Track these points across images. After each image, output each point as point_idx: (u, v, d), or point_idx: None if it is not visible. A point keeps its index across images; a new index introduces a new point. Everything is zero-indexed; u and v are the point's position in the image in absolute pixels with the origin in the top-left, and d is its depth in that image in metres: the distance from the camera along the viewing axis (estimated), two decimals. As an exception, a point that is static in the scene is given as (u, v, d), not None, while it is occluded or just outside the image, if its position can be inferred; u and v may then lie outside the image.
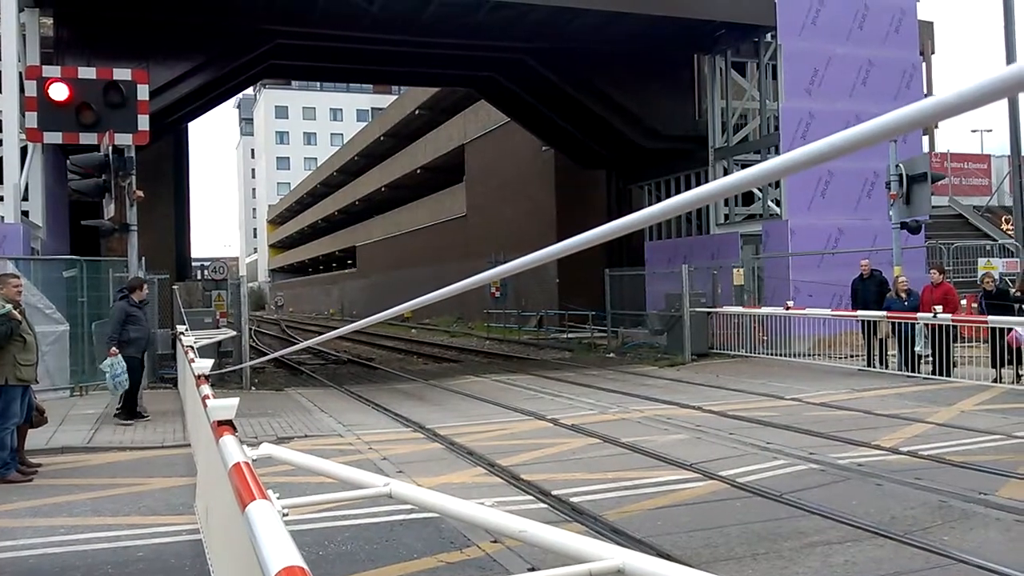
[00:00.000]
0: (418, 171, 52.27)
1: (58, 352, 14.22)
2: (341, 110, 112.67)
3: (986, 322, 13.82)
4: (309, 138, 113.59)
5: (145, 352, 12.55)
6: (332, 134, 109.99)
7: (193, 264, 33.85)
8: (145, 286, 12.56)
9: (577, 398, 13.83)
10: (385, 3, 19.72)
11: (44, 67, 14.41)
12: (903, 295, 15.17)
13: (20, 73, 15.66)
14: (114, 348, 11.49)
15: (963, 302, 16.47)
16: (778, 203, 21.60)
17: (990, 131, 50.27)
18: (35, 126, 12.99)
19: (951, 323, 14.07)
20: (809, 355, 17.59)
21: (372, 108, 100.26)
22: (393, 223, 58.42)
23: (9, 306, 8.57)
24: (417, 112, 50.53)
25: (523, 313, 33.39)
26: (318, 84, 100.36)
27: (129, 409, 11.87)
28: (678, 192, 25.45)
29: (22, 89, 15.43)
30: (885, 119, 1.40)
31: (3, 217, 15.77)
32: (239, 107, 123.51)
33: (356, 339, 32.24)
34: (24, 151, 16.21)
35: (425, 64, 25.65)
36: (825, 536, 5.96)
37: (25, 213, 16.35)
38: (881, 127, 1.41)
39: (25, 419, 8.87)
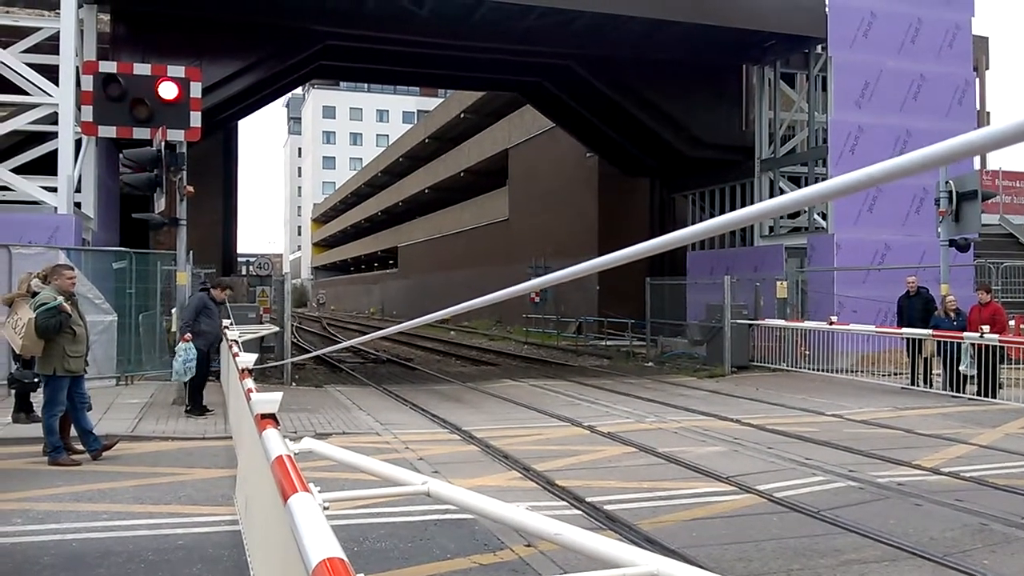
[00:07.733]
0: (462, 174, 52.51)
1: (106, 342, 14.53)
2: (387, 111, 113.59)
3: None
4: (355, 138, 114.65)
5: (211, 348, 12.74)
6: (378, 135, 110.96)
7: (238, 259, 34.34)
8: (228, 291, 12.92)
9: (614, 406, 13.79)
10: (434, 7, 19.91)
11: (100, 62, 14.71)
12: (952, 314, 14.92)
13: (77, 67, 16.05)
14: (188, 334, 11.82)
15: (1011, 323, 16.14)
16: (824, 216, 21.35)
17: (1045, 149, 49.16)
18: (90, 119, 13.26)
19: (998, 344, 13.81)
20: (852, 371, 17.36)
21: (418, 110, 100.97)
22: (435, 225, 58.70)
23: (60, 298, 8.71)
24: (462, 115, 50.75)
25: (562, 319, 33.34)
26: (365, 85, 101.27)
27: (196, 402, 12.09)
28: (722, 202, 25.42)
29: (78, 83, 15.83)
30: (940, 146, 1.39)
31: (56, 208, 16.15)
32: (288, 106, 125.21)
33: (395, 339, 32.42)
34: (78, 144, 16.59)
35: (472, 68, 25.77)
36: (862, 555, 5.88)
37: (78, 204, 16.72)
38: (935, 154, 1.40)
39: (84, 406, 9.05)
